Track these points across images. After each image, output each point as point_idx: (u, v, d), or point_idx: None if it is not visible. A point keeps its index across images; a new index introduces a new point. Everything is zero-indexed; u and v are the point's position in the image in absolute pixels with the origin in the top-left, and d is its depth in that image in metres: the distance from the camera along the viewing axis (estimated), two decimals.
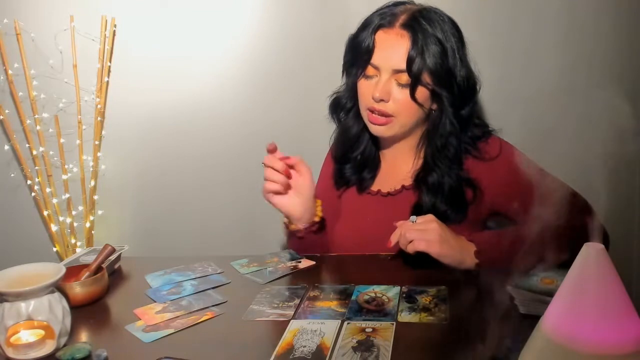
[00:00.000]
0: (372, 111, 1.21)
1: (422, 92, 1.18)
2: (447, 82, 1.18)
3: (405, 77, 1.16)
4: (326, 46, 1.73)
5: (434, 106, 1.21)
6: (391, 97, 1.18)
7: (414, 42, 1.15)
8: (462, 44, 1.21)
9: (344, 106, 1.31)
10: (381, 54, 1.18)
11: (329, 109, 1.35)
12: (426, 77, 1.17)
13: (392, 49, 1.17)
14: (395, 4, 1.23)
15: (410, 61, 1.15)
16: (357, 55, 1.22)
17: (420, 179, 1.24)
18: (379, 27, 1.19)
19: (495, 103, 1.61)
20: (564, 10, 1.69)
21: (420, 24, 1.17)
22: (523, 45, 1.72)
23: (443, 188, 1.21)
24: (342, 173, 1.34)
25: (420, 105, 1.19)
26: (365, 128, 1.29)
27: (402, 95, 1.18)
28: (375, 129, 1.23)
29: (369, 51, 1.19)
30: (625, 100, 1.90)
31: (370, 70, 1.20)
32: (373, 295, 1.01)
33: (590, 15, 1.69)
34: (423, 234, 1.06)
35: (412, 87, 1.16)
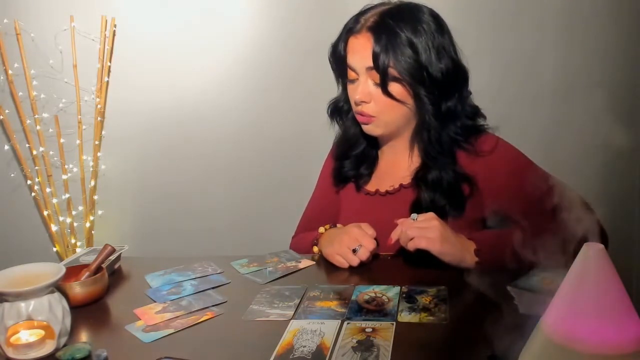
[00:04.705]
0: (357, 114, 1.25)
1: (397, 89, 1.19)
2: (421, 77, 1.18)
3: (378, 76, 1.18)
4: (327, 48, 1.73)
5: (413, 102, 1.22)
6: (372, 98, 1.21)
7: (377, 41, 1.17)
8: (442, 36, 1.21)
9: (342, 109, 1.35)
10: (354, 57, 1.21)
11: (328, 114, 1.37)
12: (395, 73, 1.18)
13: (361, 51, 1.20)
14: (373, 7, 1.25)
15: (374, 58, 1.18)
16: (337, 63, 1.27)
17: (420, 177, 1.24)
18: (349, 33, 1.22)
19: (496, 103, 1.61)
20: (565, 11, 1.69)
21: (385, 23, 1.18)
22: (524, 45, 1.73)
23: (441, 183, 1.21)
24: (340, 170, 1.36)
25: (400, 102, 1.20)
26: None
27: (380, 94, 1.20)
28: (365, 129, 1.27)
29: (343, 57, 1.23)
30: (626, 101, 1.92)
31: (351, 75, 1.23)
32: (373, 295, 1.00)
33: (591, 16, 1.69)
34: (424, 231, 1.06)
35: (382, 83, 1.18)
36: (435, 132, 1.22)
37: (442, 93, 1.21)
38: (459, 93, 1.23)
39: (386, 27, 1.18)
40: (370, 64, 1.18)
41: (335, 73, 1.32)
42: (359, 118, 1.25)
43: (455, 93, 1.23)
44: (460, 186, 1.22)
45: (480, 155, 1.22)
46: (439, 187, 1.22)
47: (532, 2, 1.70)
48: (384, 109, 1.21)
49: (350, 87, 1.25)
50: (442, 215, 1.14)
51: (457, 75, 1.23)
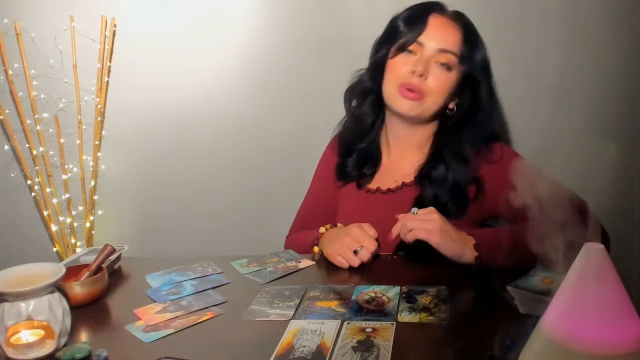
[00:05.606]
0: (405, 87, 1.23)
1: (454, 79, 1.24)
2: (486, 77, 1.28)
3: (446, 57, 1.22)
4: (327, 47, 1.73)
5: (458, 100, 1.28)
6: (430, 75, 1.22)
7: (466, 30, 1.25)
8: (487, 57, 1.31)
9: (364, 86, 1.33)
10: (432, 33, 1.23)
11: (345, 93, 1.38)
12: (466, 65, 1.24)
13: (443, 31, 1.23)
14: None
15: (459, 44, 1.23)
16: (402, 33, 1.25)
17: (424, 173, 1.25)
18: (431, 10, 1.25)
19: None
20: (568, 11, 1.69)
21: (466, 20, 1.27)
22: (526, 46, 1.72)
23: (447, 181, 1.23)
24: (344, 168, 1.36)
25: (450, 94, 1.25)
26: (376, 121, 1.32)
27: (440, 75, 1.23)
28: (403, 104, 1.24)
29: (420, 28, 1.23)
30: (626, 100, 1.92)
31: (415, 47, 1.24)
32: (373, 295, 1.01)
33: (593, 16, 1.69)
34: (424, 223, 1.07)
35: (449, 68, 1.23)
36: (467, 131, 1.26)
37: (481, 100, 1.27)
38: (491, 101, 1.30)
39: (468, 23, 1.26)
40: (447, 46, 1.22)
41: (379, 45, 1.30)
42: (404, 92, 1.23)
43: (489, 101, 1.29)
44: (466, 188, 1.23)
45: (488, 162, 1.23)
46: (444, 185, 1.22)
47: (532, 2, 1.70)
48: (437, 91, 1.23)
49: (402, 57, 1.24)
50: (443, 212, 1.14)
51: (492, 93, 1.30)
